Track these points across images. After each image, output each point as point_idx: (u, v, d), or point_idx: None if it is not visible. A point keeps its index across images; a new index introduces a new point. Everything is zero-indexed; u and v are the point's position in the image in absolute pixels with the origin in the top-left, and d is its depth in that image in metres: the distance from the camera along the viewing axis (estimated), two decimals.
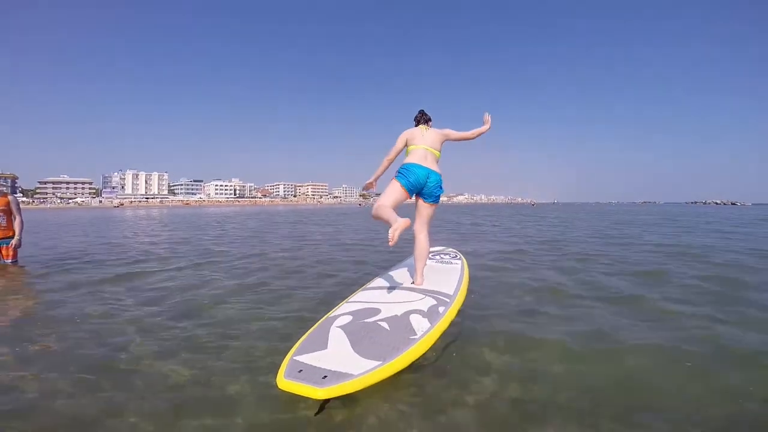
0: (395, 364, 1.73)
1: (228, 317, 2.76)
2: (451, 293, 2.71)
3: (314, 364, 1.69)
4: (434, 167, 2.82)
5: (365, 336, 1.98)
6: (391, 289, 2.85)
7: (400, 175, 2.78)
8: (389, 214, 2.53)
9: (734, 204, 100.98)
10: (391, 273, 3.39)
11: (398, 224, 2.33)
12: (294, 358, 1.76)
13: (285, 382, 1.57)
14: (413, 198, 2.91)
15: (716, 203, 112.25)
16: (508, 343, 2.29)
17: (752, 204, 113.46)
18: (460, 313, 2.64)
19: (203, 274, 4.30)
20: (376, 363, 1.69)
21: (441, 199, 2.94)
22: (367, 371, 1.62)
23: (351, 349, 1.84)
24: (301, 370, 1.63)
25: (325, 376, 1.58)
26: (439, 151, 2.93)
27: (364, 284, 3.14)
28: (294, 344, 1.93)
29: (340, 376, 1.58)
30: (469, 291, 3.15)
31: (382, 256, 5.53)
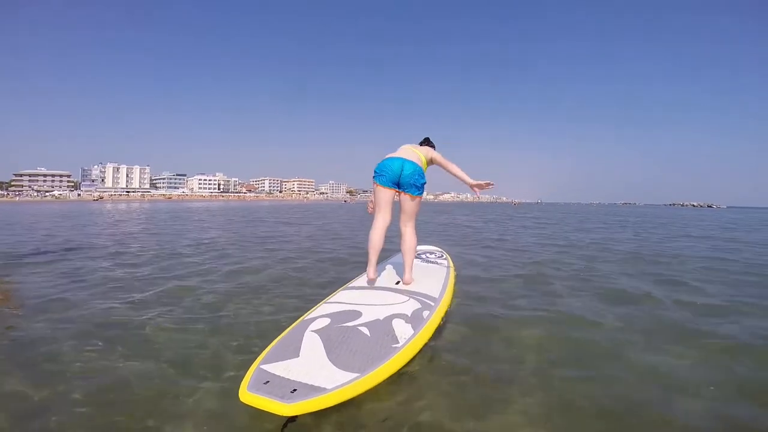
0: (374, 376, 1.57)
1: None
2: (436, 296, 2.56)
3: (283, 375, 1.52)
4: (409, 157, 2.66)
5: (342, 342, 1.82)
6: (373, 289, 2.68)
7: (375, 176, 2.67)
8: (371, 254, 2.72)
9: (710, 206, 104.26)
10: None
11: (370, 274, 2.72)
12: (261, 367, 1.58)
13: (248, 395, 1.39)
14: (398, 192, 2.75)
15: (693, 205, 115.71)
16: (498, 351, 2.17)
17: (727, 207, 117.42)
18: (446, 315, 2.51)
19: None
20: (353, 375, 1.53)
21: (428, 197, 2.79)
22: (342, 385, 1.46)
23: (326, 357, 1.68)
24: (267, 382, 1.46)
25: (295, 390, 1.41)
26: (425, 156, 2.79)
27: (344, 283, 2.96)
28: (263, 350, 1.76)
29: (312, 389, 1.42)
30: (456, 293, 3.02)
31: None
